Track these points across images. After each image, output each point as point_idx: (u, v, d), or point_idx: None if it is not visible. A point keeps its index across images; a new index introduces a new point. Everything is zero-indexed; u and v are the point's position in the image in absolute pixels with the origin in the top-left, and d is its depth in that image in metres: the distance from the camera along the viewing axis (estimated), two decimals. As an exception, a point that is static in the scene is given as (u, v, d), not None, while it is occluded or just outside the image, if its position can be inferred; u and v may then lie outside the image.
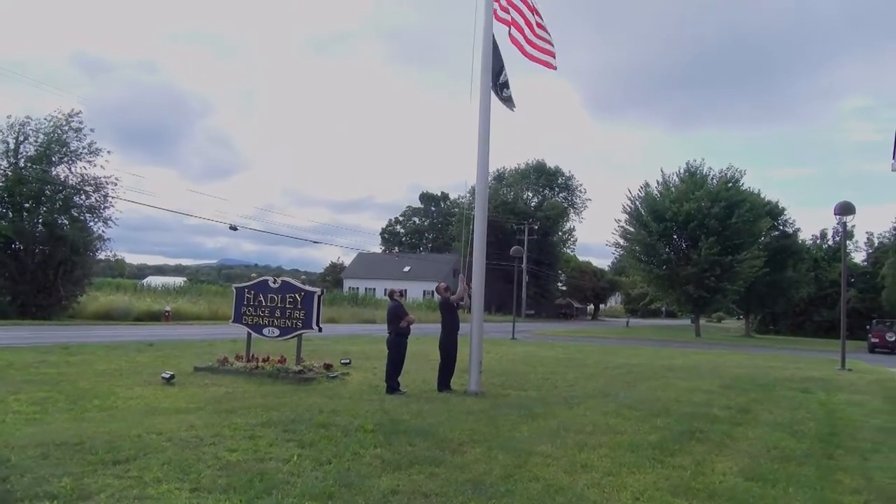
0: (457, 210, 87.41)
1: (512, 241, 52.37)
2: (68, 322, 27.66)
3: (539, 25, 11.68)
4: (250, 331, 12.49)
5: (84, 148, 29.73)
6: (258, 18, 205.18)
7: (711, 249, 42.52)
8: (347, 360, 13.94)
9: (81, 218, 30.29)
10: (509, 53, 11.57)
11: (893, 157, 16.66)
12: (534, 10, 11.62)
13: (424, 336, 15.30)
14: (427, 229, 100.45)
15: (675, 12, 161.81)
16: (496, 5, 11.28)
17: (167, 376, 10.39)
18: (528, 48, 11.54)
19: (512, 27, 11.41)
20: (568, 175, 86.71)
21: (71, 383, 9.94)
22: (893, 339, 33.77)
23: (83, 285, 30.64)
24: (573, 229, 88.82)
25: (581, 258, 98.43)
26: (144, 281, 59.73)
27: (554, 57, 11.87)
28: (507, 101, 11.82)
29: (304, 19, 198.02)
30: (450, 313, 10.87)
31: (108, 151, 30.47)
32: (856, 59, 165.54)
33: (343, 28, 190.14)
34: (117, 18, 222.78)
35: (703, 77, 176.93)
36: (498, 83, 11.55)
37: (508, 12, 11.36)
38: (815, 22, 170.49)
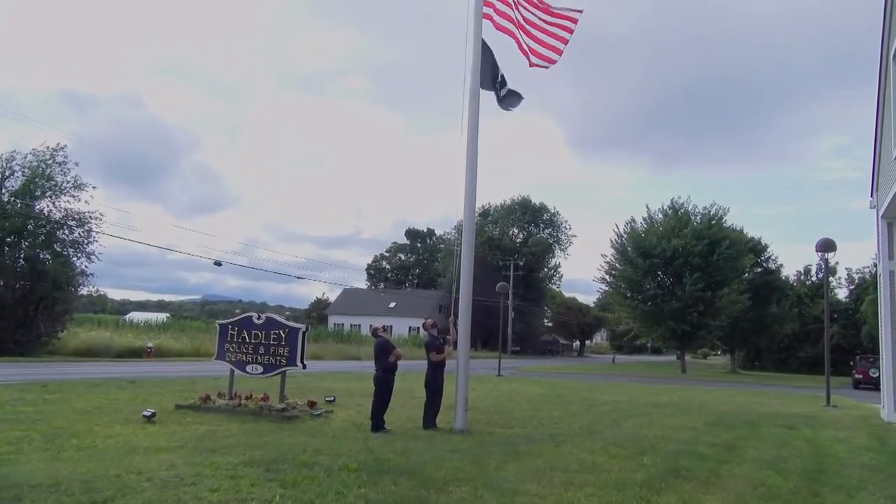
0: (443, 246, 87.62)
1: (498, 277, 52.43)
2: (48, 358, 27.18)
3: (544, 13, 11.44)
4: (233, 368, 12.34)
5: (68, 182, 29.65)
6: (244, 54, 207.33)
7: (696, 285, 42.88)
8: (332, 398, 13.79)
9: (64, 253, 30.02)
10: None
11: (871, 195, 16.97)
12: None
13: (410, 373, 15.18)
14: (413, 265, 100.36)
15: (659, 54, 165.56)
16: (490, 10, 11.38)
17: (148, 414, 10.21)
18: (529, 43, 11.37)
19: (509, 23, 11.37)
20: (553, 211, 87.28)
21: (48, 422, 9.73)
22: (877, 375, 33.87)
23: (64, 321, 30.20)
24: (558, 265, 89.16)
25: (567, 294, 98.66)
26: (127, 317, 59.01)
27: (565, 42, 11.28)
28: (506, 99, 11.72)
29: (290, 56, 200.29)
30: (435, 352, 10.81)
31: (93, 186, 30.42)
32: (832, 99, 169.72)
33: (329, 65, 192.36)
34: (104, 54, 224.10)
35: (686, 117, 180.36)
36: (496, 84, 11.57)
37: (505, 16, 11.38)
38: (794, 64, 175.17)
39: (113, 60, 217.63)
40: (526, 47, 11.40)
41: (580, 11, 11.26)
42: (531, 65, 11.43)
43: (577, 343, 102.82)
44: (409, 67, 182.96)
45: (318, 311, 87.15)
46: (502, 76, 11.66)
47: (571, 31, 11.26)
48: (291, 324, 12.20)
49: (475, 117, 11.31)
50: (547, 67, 11.44)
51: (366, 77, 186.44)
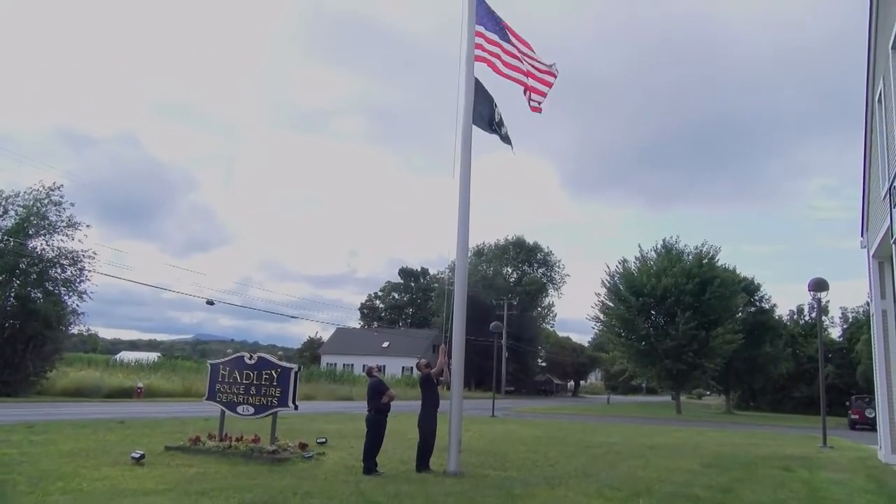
0: (436, 285, 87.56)
1: (491, 317, 52.34)
2: (35, 399, 26.82)
3: (530, 58, 11.96)
4: (224, 409, 12.19)
5: (63, 221, 29.62)
6: (241, 94, 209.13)
7: (688, 324, 42.90)
8: (323, 440, 13.62)
9: (56, 291, 29.83)
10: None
11: (862, 235, 17.13)
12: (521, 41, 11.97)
13: (403, 413, 15.04)
14: (406, 304, 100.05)
15: (652, 95, 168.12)
16: (479, 51, 11.69)
17: (137, 456, 10.05)
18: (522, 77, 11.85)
19: (500, 64, 11.78)
20: (546, 251, 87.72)
21: (33, 464, 9.56)
22: (873, 415, 33.68)
23: (53, 360, 29.82)
24: (552, 305, 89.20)
25: (560, 334, 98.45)
26: (117, 356, 58.40)
27: (549, 86, 11.99)
28: (506, 140, 12.06)
29: (286, 95, 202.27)
30: (430, 390, 10.72)
31: (87, 225, 30.37)
32: (820, 141, 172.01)
33: (324, 105, 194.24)
34: (102, 94, 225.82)
35: (678, 157, 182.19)
36: (495, 123, 11.83)
37: (489, 51, 11.78)
38: (784, 107, 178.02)
39: (111, 100, 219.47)
40: (526, 90, 11.82)
41: (554, 76, 11.95)
42: (532, 109, 11.86)
43: (572, 383, 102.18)
44: (404, 108, 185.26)
45: (311, 351, 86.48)
46: (500, 116, 11.91)
47: (551, 86, 11.89)
48: (283, 364, 12.10)
49: (468, 156, 11.44)
50: (539, 111, 11.90)
51: (361, 117, 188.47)
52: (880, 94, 13.31)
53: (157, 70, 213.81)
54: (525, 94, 11.89)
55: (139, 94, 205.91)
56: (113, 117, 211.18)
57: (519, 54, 11.87)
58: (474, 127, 11.65)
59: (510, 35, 11.88)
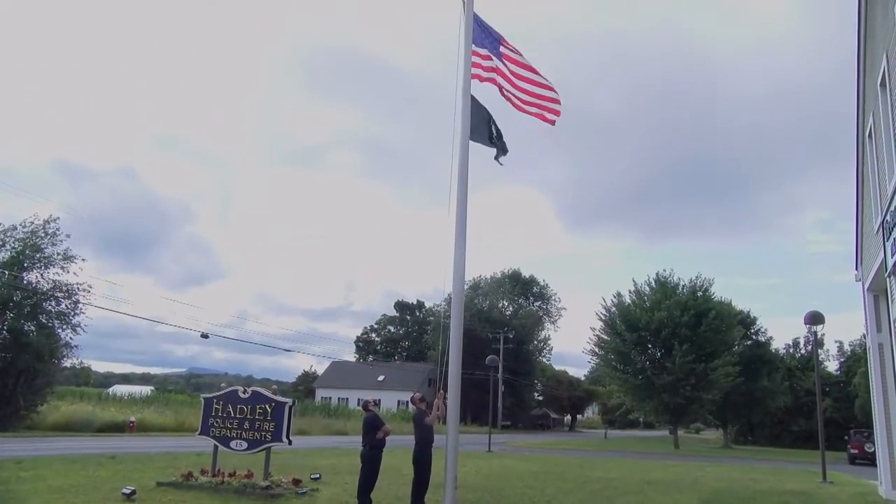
0: (432, 318, 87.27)
1: (487, 351, 52.10)
2: (25, 434, 26.46)
3: (532, 82, 12.03)
4: (217, 443, 12.07)
5: (58, 254, 29.55)
6: (239, 128, 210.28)
7: (686, 357, 42.74)
8: (317, 475, 13.47)
9: (49, 324, 29.63)
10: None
11: (856, 268, 17.21)
12: (524, 68, 12.06)
13: (398, 448, 14.87)
14: (402, 338, 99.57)
15: (648, 131, 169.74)
16: (476, 69, 11.80)
17: (128, 492, 9.92)
18: (519, 103, 11.91)
19: (499, 78, 11.87)
20: (542, 284, 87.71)
21: (21, 501, 9.42)
22: (872, 449, 33.44)
23: (45, 394, 29.48)
24: (548, 338, 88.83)
25: (557, 367, 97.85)
26: (110, 390, 57.81)
27: (555, 112, 12.00)
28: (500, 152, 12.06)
29: (283, 129, 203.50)
30: (424, 425, 10.63)
31: (83, 259, 30.23)
32: (814, 175, 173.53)
33: (321, 139, 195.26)
34: (101, 126, 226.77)
35: (674, 191, 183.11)
36: (494, 137, 11.88)
37: (492, 70, 11.88)
38: (777, 142, 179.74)
39: (110, 134, 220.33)
40: (521, 103, 11.88)
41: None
42: (528, 113, 11.87)
43: (569, 417, 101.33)
44: (402, 143, 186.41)
45: (306, 385, 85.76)
46: (497, 131, 11.99)
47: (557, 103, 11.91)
48: (278, 398, 12.02)
49: (464, 174, 11.45)
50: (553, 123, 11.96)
51: (359, 152, 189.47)
52: (870, 130, 13.49)
53: (157, 104, 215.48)
54: (525, 105, 11.96)
55: (139, 129, 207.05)
56: (112, 151, 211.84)
57: (519, 70, 11.99)
58: (472, 143, 11.71)
59: (506, 51, 12.04)
